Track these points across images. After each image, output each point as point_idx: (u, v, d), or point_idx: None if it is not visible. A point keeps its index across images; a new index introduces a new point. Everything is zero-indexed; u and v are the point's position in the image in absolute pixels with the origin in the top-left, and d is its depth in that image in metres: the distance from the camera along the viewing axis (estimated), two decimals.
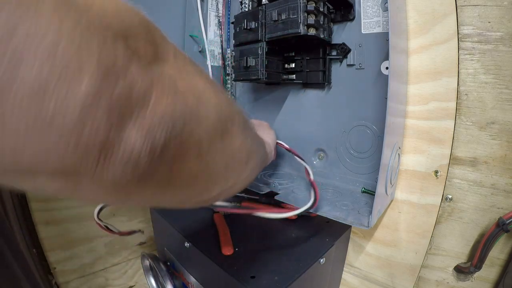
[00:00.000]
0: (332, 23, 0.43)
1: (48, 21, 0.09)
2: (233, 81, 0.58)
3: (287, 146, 0.43)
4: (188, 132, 0.14)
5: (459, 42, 0.36)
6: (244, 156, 0.21)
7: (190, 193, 0.18)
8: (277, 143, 0.45)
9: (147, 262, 0.48)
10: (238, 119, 0.20)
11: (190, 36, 0.55)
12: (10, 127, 0.09)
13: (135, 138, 0.11)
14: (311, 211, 0.36)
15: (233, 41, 0.46)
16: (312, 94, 0.48)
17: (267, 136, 0.39)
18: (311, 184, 0.35)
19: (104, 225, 0.36)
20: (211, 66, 0.57)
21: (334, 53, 0.43)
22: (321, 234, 0.42)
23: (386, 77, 0.37)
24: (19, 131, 0.09)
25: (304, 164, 0.39)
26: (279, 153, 0.54)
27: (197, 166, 0.16)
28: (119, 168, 0.11)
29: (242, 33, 0.43)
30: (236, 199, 0.53)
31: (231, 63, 0.58)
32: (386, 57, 0.38)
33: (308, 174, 0.37)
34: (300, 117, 0.50)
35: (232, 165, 0.20)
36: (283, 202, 0.40)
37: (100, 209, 0.35)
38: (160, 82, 0.13)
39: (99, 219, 0.35)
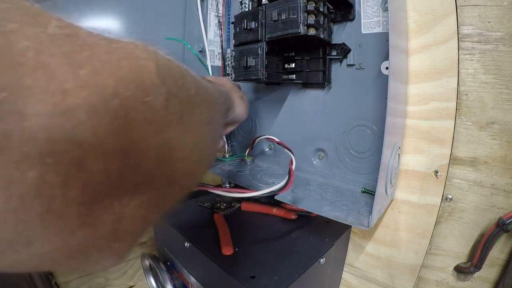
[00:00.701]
0: (332, 23, 0.43)
1: None
2: (233, 81, 0.58)
3: (277, 139, 0.43)
4: None
5: (459, 42, 0.36)
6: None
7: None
8: (268, 138, 0.45)
9: (147, 262, 0.48)
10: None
11: (167, 39, 0.53)
12: None
13: None
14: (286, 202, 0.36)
15: (233, 41, 0.46)
16: (312, 94, 0.48)
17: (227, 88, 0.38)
18: (289, 171, 0.35)
19: None
20: (211, 66, 0.57)
21: (334, 53, 0.43)
22: (321, 234, 0.42)
23: (386, 77, 0.37)
24: None
25: (291, 154, 0.39)
26: (279, 152, 0.54)
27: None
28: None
29: (242, 33, 0.43)
30: (236, 198, 0.54)
31: (231, 63, 0.58)
32: (386, 57, 0.38)
33: (291, 163, 0.37)
34: (300, 117, 0.50)
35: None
36: (283, 202, 0.40)
37: None
38: (129, 206, 0.12)
39: None
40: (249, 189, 0.36)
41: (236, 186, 0.47)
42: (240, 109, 0.39)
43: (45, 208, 0.09)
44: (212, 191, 0.36)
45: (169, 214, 0.20)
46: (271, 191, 0.33)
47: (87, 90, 0.09)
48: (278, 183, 0.42)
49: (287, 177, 0.33)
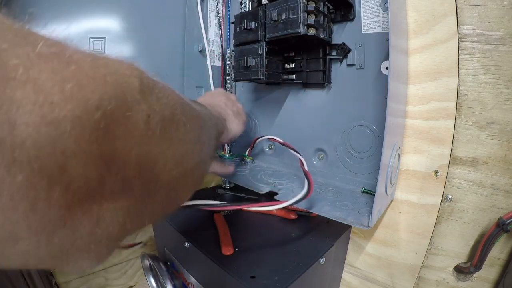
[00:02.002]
0: (332, 23, 0.43)
1: None
2: (233, 81, 0.58)
3: (280, 140, 0.43)
4: None
5: (459, 42, 0.36)
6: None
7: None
8: (270, 139, 0.46)
9: (147, 262, 0.48)
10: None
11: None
12: None
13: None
14: (306, 211, 0.36)
15: (233, 41, 0.46)
16: (312, 94, 0.48)
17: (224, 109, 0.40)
18: (305, 174, 0.34)
19: None
20: (211, 66, 0.57)
21: (334, 53, 0.43)
22: (321, 234, 0.42)
23: (386, 77, 0.37)
24: None
25: (298, 155, 0.39)
26: (279, 152, 0.54)
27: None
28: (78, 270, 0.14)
29: (242, 33, 0.43)
30: (236, 198, 0.54)
31: (231, 63, 0.58)
32: (386, 57, 0.38)
33: (302, 164, 0.37)
34: (300, 117, 0.50)
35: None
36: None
37: None
38: (108, 210, 0.13)
39: None
40: (276, 201, 0.35)
41: (243, 190, 0.46)
42: (235, 128, 0.41)
43: (30, 208, 0.10)
44: (230, 208, 0.35)
45: (154, 223, 0.20)
46: (298, 200, 0.33)
47: (72, 103, 0.10)
48: (282, 184, 0.42)
49: (307, 182, 0.33)
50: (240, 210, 0.33)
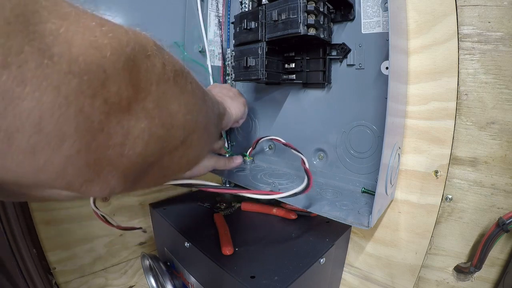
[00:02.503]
0: (332, 23, 0.43)
1: (31, 93, 0.11)
2: (233, 81, 0.58)
3: (283, 141, 0.43)
4: (158, 158, 0.19)
5: (459, 42, 0.36)
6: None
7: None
8: (273, 139, 0.46)
9: (147, 262, 0.48)
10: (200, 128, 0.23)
11: (174, 43, 0.55)
12: (15, 168, 0.12)
13: (114, 182, 0.16)
14: (304, 210, 0.36)
15: (233, 41, 0.46)
16: (312, 94, 0.48)
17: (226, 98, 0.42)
18: (305, 171, 0.35)
19: (101, 215, 0.35)
20: (211, 66, 0.57)
21: (334, 53, 0.43)
22: (321, 234, 0.42)
23: (386, 77, 0.37)
24: (21, 168, 0.12)
25: (300, 155, 0.39)
26: (279, 152, 0.54)
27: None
28: (101, 192, 0.16)
29: (242, 33, 0.43)
30: (236, 198, 0.54)
31: (231, 63, 0.58)
32: (386, 57, 0.38)
33: (303, 163, 0.37)
34: (300, 117, 0.50)
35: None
36: (283, 202, 0.40)
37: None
38: (135, 127, 0.16)
39: (96, 207, 0.34)
40: (271, 191, 0.35)
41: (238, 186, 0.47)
42: (235, 109, 0.42)
43: (79, 109, 0.13)
44: (225, 191, 0.35)
45: (171, 178, 0.23)
46: (294, 193, 0.32)
47: (108, 39, 0.14)
48: (282, 184, 0.42)
49: (306, 178, 0.33)
50: (237, 195, 0.33)
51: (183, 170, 0.25)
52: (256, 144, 0.51)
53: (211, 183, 0.32)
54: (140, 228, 0.42)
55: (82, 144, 0.13)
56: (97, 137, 0.14)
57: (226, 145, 0.59)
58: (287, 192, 0.32)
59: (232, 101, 0.43)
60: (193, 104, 0.22)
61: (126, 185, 0.17)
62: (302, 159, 0.37)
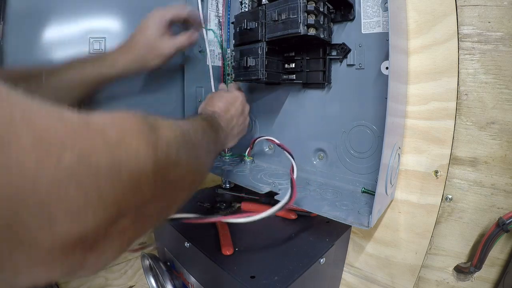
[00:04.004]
0: (332, 23, 0.43)
1: None
2: (233, 81, 0.58)
3: (277, 141, 0.43)
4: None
5: (459, 42, 0.36)
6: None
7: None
8: (268, 139, 0.45)
9: (147, 262, 0.48)
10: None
11: (208, 30, 0.56)
12: None
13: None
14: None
15: (233, 41, 0.46)
16: (312, 94, 0.48)
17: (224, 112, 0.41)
18: (291, 182, 0.33)
19: None
20: (211, 66, 0.57)
21: (334, 53, 0.43)
22: (321, 234, 0.42)
23: (386, 77, 0.37)
24: None
25: (292, 160, 0.39)
26: (279, 152, 0.54)
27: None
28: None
29: (242, 33, 0.43)
30: (236, 198, 0.54)
31: (231, 63, 0.58)
32: (386, 57, 0.38)
33: (292, 171, 0.36)
34: (300, 117, 0.50)
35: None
36: None
37: None
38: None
39: None
40: (252, 212, 0.33)
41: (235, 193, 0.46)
42: (231, 142, 0.44)
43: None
44: (206, 221, 0.34)
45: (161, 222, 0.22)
46: (277, 209, 0.31)
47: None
48: (282, 184, 0.41)
49: (290, 190, 0.32)
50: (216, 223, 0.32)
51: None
52: (253, 144, 0.51)
53: (191, 215, 0.31)
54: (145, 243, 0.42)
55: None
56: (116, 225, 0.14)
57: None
58: (271, 209, 0.31)
59: (237, 121, 0.43)
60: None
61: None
62: (292, 165, 0.36)
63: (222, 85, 0.53)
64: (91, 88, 0.40)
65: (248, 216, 0.31)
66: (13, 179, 0.10)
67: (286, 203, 0.32)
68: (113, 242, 0.15)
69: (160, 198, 0.18)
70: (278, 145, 0.43)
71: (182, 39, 0.44)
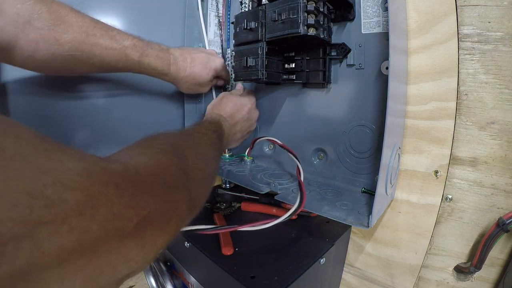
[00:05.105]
0: (332, 23, 0.43)
1: None
2: (233, 81, 0.58)
3: (280, 142, 0.43)
4: None
5: (459, 42, 0.36)
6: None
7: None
8: (270, 140, 0.46)
9: None
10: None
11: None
12: None
13: None
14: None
15: (233, 41, 0.46)
16: (312, 94, 0.48)
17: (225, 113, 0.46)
18: (299, 184, 0.34)
19: None
20: None
21: (334, 53, 0.43)
22: (321, 234, 0.42)
23: (386, 77, 0.37)
24: None
25: (296, 161, 0.39)
26: (279, 152, 0.54)
27: None
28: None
29: (242, 33, 0.43)
30: (236, 198, 0.54)
31: (231, 63, 0.58)
32: (386, 57, 0.38)
33: (299, 173, 0.37)
34: (300, 117, 0.50)
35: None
36: (283, 202, 0.40)
37: None
38: None
39: None
40: (270, 218, 0.36)
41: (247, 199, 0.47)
42: (232, 145, 0.49)
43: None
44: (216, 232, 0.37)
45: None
46: (289, 215, 0.34)
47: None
48: (282, 184, 0.41)
49: (299, 194, 0.33)
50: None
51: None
52: (253, 144, 0.51)
53: (207, 226, 0.34)
54: None
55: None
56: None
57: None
58: (284, 216, 0.33)
59: (241, 127, 0.47)
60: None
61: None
62: (298, 167, 0.37)
63: (239, 85, 0.55)
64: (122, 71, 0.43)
65: (263, 223, 0.34)
66: None
67: (298, 208, 0.33)
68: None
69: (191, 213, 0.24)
70: (280, 145, 0.43)
71: (214, 83, 0.55)
